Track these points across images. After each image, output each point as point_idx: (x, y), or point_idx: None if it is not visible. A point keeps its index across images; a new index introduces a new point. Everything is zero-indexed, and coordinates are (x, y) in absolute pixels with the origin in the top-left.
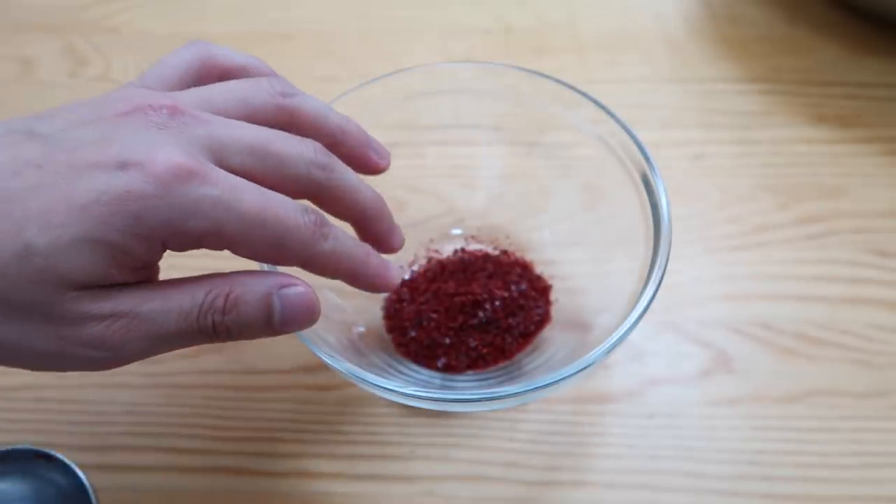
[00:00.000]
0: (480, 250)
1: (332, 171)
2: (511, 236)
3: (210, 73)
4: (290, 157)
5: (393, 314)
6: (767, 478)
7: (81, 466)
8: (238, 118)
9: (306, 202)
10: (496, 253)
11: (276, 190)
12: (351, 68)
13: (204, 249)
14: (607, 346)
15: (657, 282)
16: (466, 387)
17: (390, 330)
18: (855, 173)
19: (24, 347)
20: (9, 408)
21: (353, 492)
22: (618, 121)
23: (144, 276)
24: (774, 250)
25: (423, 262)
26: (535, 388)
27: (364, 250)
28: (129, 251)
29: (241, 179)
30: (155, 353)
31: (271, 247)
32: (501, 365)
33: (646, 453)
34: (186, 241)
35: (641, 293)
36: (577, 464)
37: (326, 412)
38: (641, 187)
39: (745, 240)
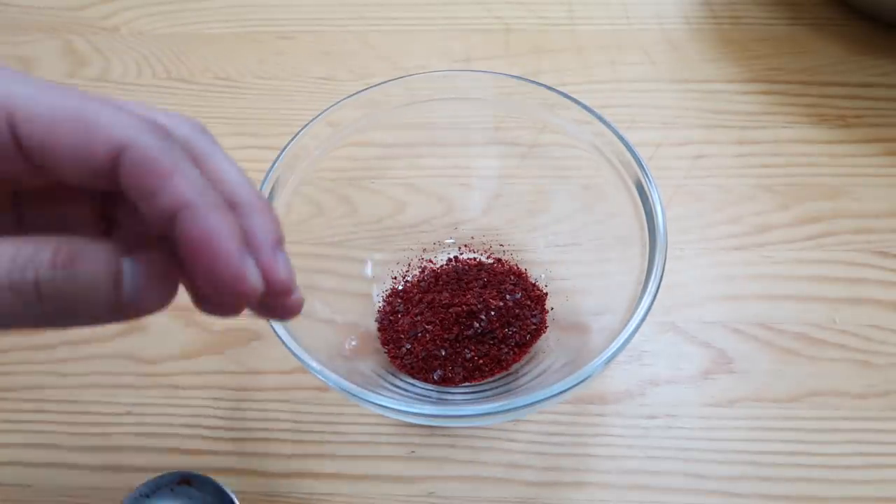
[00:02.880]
0: (474, 259)
1: None
2: (506, 242)
3: None
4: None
5: (387, 326)
6: (767, 478)
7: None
8: None
9: None
10: (490, 261)
11: None
12: (350, 68)
13: None
14: (601, 360)
15: (653, 293)
16: (462, 399)
17: (385, 343)
18: (855, 173)
19: None
20: (9, 408)
21: (353, 492)
22: (612, 129)
23: None
24: (774, 250)
25: (417, 272)
26: (531, 403)
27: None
28: None
29: None
30: None
31: None
32: (498, 376)
33: (646, 454)
34: None
35: (637, 306)
36: (578, 464)
37: (326, 413)
38: (636, 196)
39: (745, 240)
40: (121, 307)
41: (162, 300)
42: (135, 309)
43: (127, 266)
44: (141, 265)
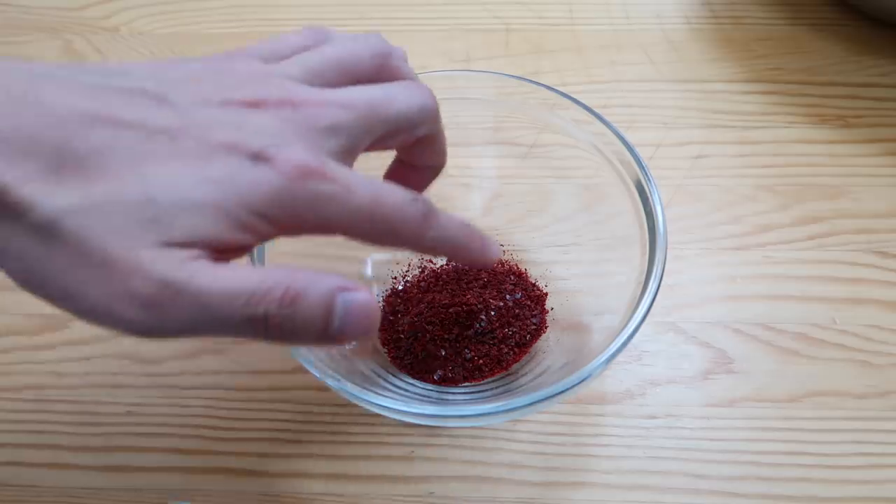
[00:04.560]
0: None
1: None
2: (506, 242)
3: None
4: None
5: (387, 326)
6: (767, 478)
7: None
8: (339, 85)
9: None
10: None
11: None
12: None
13: None
14: (601, 360)
15: (653, 293)
16: (462, 400)
17: (385, 343)
18: (855, 173)
19: (76, 289)
20: (10, 408)
21: (353, 492)
22: (612, 129)
23: (232, 256)
24: (775, 250)
25: (417, 271)
26: (531, 403)
27: (466, 233)
28: (246, 226)
29: (355, 174)
30: (196, 335)
31: (379, 235)
32: (498, 376)
33: (646, 454)
34: (301, 228)
35: (637, 306)
36: (578, 464)
37: (326, 412)
38: (636, 196)
39: (746, 240)
40: (327, 338)
41: (364, 334)
42: (339, 340)
43: (339, 305)
44: (351, 305)
